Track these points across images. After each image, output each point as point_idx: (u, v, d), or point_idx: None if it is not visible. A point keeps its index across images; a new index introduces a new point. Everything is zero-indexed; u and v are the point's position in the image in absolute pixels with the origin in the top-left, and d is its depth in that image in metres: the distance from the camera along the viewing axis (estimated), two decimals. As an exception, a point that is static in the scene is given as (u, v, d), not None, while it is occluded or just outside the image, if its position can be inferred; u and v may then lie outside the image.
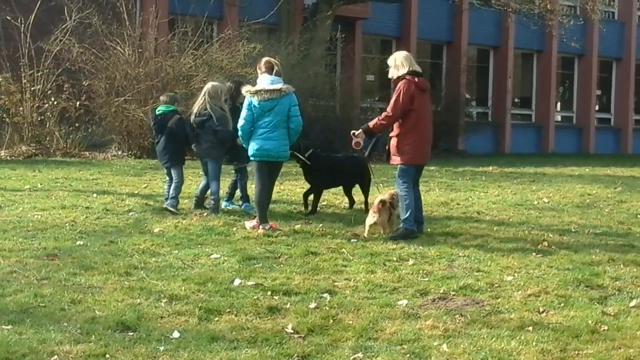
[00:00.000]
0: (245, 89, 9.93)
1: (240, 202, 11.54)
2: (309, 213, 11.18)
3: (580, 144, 33.29)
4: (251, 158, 9.96)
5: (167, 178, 11.34)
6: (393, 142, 9.95)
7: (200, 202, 11.22)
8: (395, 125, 9.92)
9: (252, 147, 9.83)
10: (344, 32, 26.12)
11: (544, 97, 32.42)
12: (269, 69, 9.85)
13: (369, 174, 11.50)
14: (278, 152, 9.84)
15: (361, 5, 26.29)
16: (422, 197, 11.90)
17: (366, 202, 11.48)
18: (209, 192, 11.11)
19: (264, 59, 10.08)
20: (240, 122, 9.88)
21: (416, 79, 9.78)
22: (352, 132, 10.22)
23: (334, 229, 10.16)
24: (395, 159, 9.93)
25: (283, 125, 9.79)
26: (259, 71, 9.98)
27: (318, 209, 11.37)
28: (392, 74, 9.94)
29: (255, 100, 9.73)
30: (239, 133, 9.97)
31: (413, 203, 9.81)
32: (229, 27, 21.24)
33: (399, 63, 9.86)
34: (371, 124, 10.09)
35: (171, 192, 11.02)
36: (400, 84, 9.76)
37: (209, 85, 11.03)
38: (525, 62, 32.98)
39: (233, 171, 11.68)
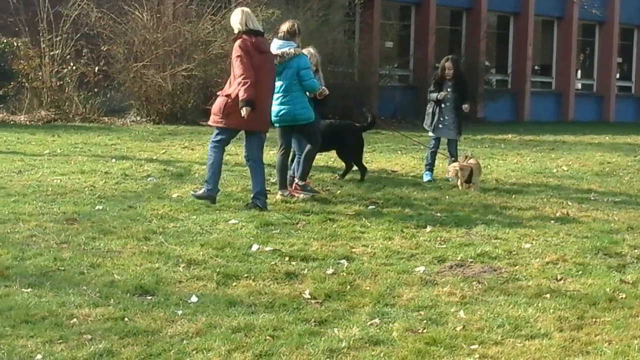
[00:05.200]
0: None
1: None
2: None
3: (600, 112, 32.99)
4: (274, 123, 9.89)
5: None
6: (220, 101, 9.08)
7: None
8: (227, 85, 9.16)
9: (272, 113, 9.78)
10: (363, -2, 25.93)
11: (564, 65, 32.10)
12: (288, 34, 9.75)
13: (351, 139, 11.38)
14: (294, 115, 9.74)
15: (380, -30, 26.07)
16: (439, 164, 11.95)
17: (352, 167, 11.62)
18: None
19: (287, 22, 9.94)
20: None
21: (253, 39, 9.09)
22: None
23: (352, 196, 10.16)
24: (217, 121, 9.11)
25: (295, 89, 9.70)
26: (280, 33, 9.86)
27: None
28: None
29: None
30: None
31: (220, 168, 9.21)
32: (248, -8, 21.08)
33: (234, 22, 9.17)
34: (241, 96, 8.82)
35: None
36: (236, 45, 9.07)
37: None
38: (546, 29, 32.63)
39: None
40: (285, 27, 9.80)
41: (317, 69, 10.52)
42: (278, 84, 9.67)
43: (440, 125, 11.92)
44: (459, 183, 10.97)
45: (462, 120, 12.23)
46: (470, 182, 10.98)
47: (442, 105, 11.88)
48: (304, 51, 10.05)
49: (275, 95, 9.70)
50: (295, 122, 9.82)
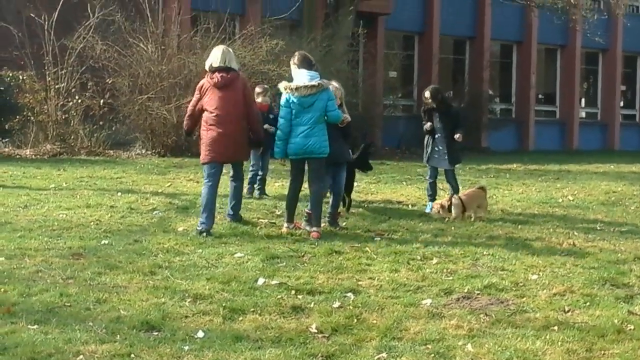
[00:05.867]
0: (284, 85, 9.69)
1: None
2: None
3: (604, 141, 33.01)
4: (291, 157, 9.72)
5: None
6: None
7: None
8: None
9: (291, 146, 9.59)
10: (366, 28, 26.03)
11: (567, 93, 32.18)
12: (306, 64, 9.69)
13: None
14: (320, 148, 9.55)
15: (383, 0, 26.19)
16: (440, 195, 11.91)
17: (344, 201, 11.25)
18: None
19: (299, 53, 9.92)
20: (280, 120, 9.68)
21: (209, 76, 9.58)
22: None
23: (357, 227, 10.15)
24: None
25: (321, 121, 9.56)
26: (293, 66, 9.74)
27: None
28: None
29: (294, 97, 9.53)
30: (278, 132, 9.71)
31: (209, 202, 9.46)
32: (251, 24, 21.17)
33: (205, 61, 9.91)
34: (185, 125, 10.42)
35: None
36: None
37: None
38: (549, 57, 32.74)
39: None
40: (303, 56, 9.79)
41: (342, 103, 10.39)
42: (307, 115, 9.51)
43: (436, 155, 11.92)
44: (452, 218, 10.92)
45: (458, 150, 12.17)
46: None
47: (436, 136, 11.89)
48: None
49: (302, 128, 9.51)
50: (317, 155, 9.59)
